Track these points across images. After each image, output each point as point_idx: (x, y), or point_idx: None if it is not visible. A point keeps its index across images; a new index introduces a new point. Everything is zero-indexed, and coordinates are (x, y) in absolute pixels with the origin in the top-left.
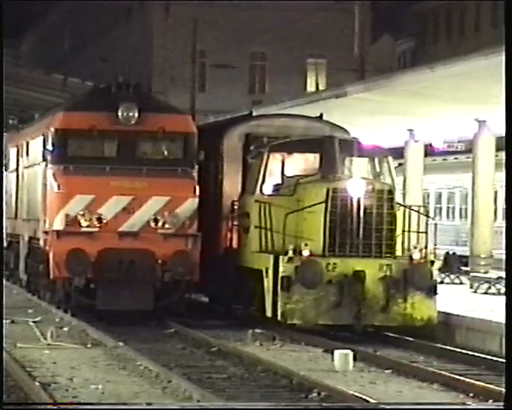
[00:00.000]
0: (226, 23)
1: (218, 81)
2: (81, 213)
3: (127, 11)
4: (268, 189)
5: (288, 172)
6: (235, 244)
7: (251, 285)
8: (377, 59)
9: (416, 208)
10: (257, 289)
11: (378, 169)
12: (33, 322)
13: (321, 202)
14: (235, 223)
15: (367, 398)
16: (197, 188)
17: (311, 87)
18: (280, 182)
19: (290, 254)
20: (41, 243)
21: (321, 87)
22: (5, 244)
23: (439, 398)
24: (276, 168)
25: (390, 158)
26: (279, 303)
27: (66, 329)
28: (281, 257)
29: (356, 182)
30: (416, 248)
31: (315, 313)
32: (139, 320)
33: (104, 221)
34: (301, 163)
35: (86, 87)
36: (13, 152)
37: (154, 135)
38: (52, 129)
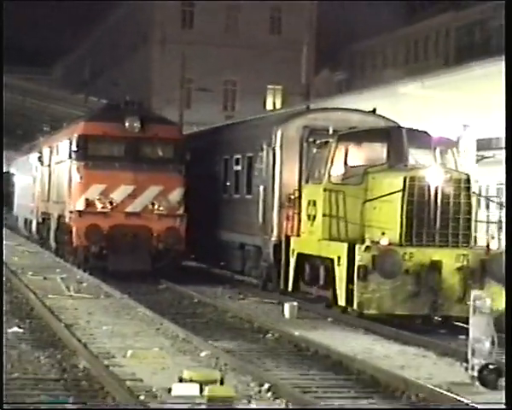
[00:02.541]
0: (207, 58)
1: (200, 101)
2: (97, 197)
3: (134, 47)
4: (336, 178)
5: (354, 162)
6: (295, 231)
7: (314, 273)
8: (319, 87)
9: (494, 199)
10: (327, 277)
11: (444, 160)
12: (60, 278)
13: (398, 191)
14: (295, 211)
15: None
16: (183, 180)
17: (269, 106)
18: (347, 171)
19: (368, 243)
20: (67, 219)
21: (277, 107)
22: (40, 220)
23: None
24: (343, 158)
25: (455, 149)
26: (355, 293)
27: (84, 284)
28: (357, 246)
29: (434, 171)
30: (493, 238)
31: (391, 303)
32: (139, 278)
33: (114, 204)
34: (367, 153)
35: (101, 104)
36: (46, 151)
37: (152, 140)
38: (76, 135)
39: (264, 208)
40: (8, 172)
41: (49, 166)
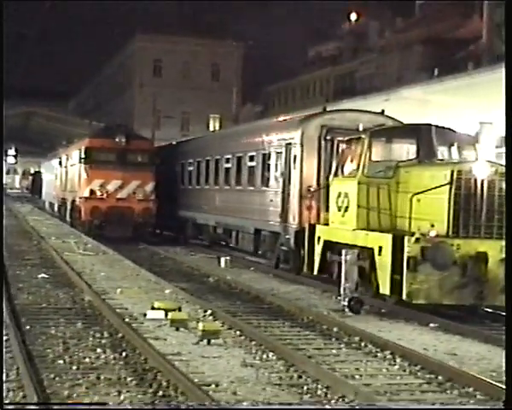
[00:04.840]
0: (170, 96)
1: (166, 124)
2: (97, 188)
3: (122, 89)
4: (369, 172)
5: (385, 157)
6: (321, 220)
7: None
8: (244, 115)
9: None
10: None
11: (468, 155)
12: (73, 242)
13: (446, 184)
14: (320, 202)
15: (236, 280)
16: (154, 177)
17: (211, 128)
18: (379, 165)
19: (417, 234)
20: (77, 202)
21: (216, 129)
22: (60, 203)
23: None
24: (375, 153)
25: (477, 145)
26: (404, 283)
27: (89, 245)
28: (406, 237)
29: (480, 164)
30: None
31: (439, 293)
32: (125, 242)
33: (109, 192)
34: (398, 149)
35: (100, 126)
36: (63, 157)
37: (133, 150)
38: (83, 147)
39: (283, 199)
40: (38, 172)
41: (66, 167)
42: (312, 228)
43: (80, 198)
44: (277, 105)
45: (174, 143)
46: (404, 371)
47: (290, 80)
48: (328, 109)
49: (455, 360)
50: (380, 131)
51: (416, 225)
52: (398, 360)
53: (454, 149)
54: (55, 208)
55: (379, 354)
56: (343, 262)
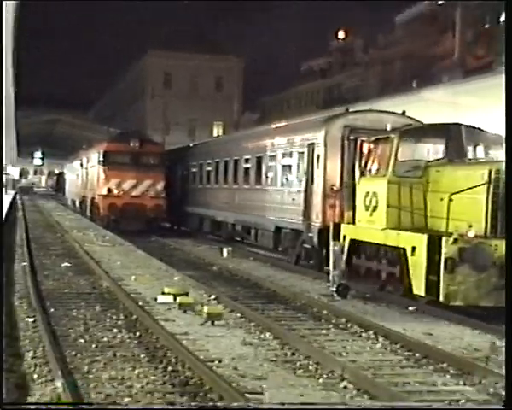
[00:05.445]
0: (179, 105)
1: (175, 130)
2: (114, 187)
3: (136, 98)
4: (398, 171)
5: (414, 156)
6: (347, 219)
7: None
8: (243, 122)
9: None
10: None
11: (495, 154)
12: (93, 234)
13: (483, 184)
14: (349, 201)
15: (237, 268)
16: (164, 177)
17: (215, 133)
18: (408, 165)
19: (455, 235)
20: (96, 200)
21: (220, 134)
22: (81, 200)
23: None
24: (405, 152)
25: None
26: (442, 285)
27: (107, 237)
28: (444, 238)
29: None
30: None
31: (477, 294)
32: (139, 234)
33: (124, 191)
34: (427, 148)
35: (116, 132)
36: (84, 160)
37: (146, 153)
38: (102, 150)
39: (305, 198)
40: (62, 172)
41: (86, 168)
42: (337, 227)
43: (99, 196)
44: (273, 113)
45: (191, 145)
46: (386, 349)
47: (285, 91)
48: (350, 110)
49: (430, 339)
50: (409, 131)
51: (452, 225)
52: (380, 339)
53: (481, 148)
54: (77, 205)
55: (363, 334)
56: (331, 252)
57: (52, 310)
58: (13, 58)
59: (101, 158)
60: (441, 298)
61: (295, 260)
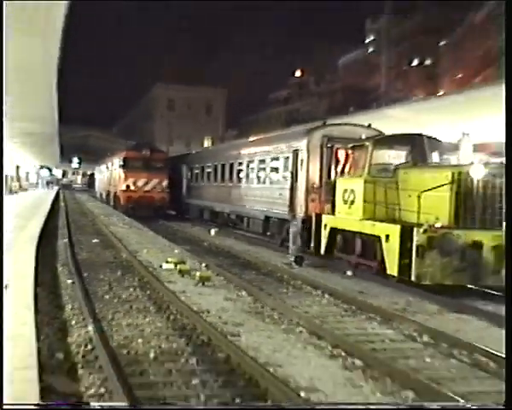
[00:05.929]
0: (179, 124)
1: (176, 142)
2: (131, 184)
3: (148, 118)
4: (372, 172)
5: (386, 160)
6: (328, 211)
7: (349, 244)
8: (227, 137)
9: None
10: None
11: (447, 160)
12: (116, 219)
13: (448, 184)
14: (328, 196)
15: (223, 244)
16: (167, 177)
17: (206, 145)
18: (380, 167)
19: (425, 226)
20: (118, 193)
21: (210, 145)
22: (107, 194)
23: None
24: (376, 157)
25: (457, 151)
26: (413, 267)
27: (126, 221)
28: (415, 229)
29: (478, 166)
30: None
31: (442, 275)
32: (149, 219)
33: (138, 187)
34: (396, 154)
35: (133, 143)
36: (109, 164)
37: (154, 159)
38: (122, 157)
39: (291, 194)
40: (92, 174)
41: (110, 170)
42: (319, 217)
43: (120, 190)
44: (249, 131)
45: (198, 151)
46: (330, 303)
47: (257, 114)
48: (327, 123)
49: (363, 296)
50: (381, 140)
51: (421, 217)
52: (326, 296)
53: (436, 154)
54: (104, 197)
55: (314, 292)
56: (290, 232)
57: (85, 274)
58: (57, 85)
59: (122, 163)
60: (413, 278)
61: (280, 242)
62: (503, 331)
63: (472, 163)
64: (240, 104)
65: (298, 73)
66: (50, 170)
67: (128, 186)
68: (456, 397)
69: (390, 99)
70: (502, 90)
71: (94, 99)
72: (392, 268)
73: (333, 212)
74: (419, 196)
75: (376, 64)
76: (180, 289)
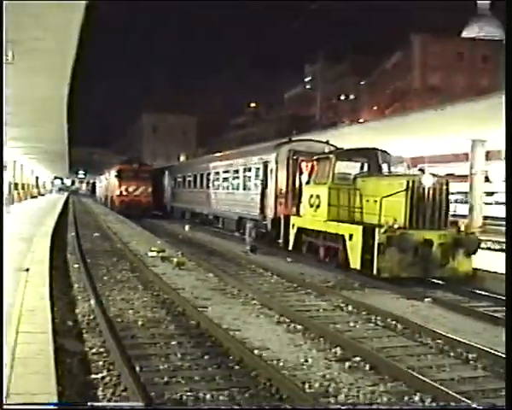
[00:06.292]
0: (161, 144)
1: (159, 158)
2: (124, 190)
3: (139, 140)
4: (335, 180)
5: (346, 170)
6: (293, 213)
7: (315, 241)
8: (198, 154)
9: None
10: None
11: (395, 170)
12: (112, 217)
13: (403, 190)
14: (294, 200)
15: (195, 237)
16: (152, 184)
17: (181, 159)
18: (341, 176)
19: (386, 227)
20: (114, 198)
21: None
22: (105, 198)
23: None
24: (339, 167)
25: (405, 163)
26: (375, 262)
27: (120, 219)
28: (377, 229)
29: (428, 176)
30: (462, 222)
31: (398, 269)
32: (137, 218)
33: (129, 192)
34: (354, 165)
35: (126, 158)
36: (107, 174)
37: (142, 171)
38: (117, 169)
39: (261, 198)
40: (94, 182)
41: (108, 180)
42: (287, 218)
43: (115, 195)
44: (215, 149)
45: (182, 163)
46: (278, 282)
47: (221, 136)
48: (292, 139)
49: (302, 276)
50: (342, 152)
51: (380, 219)
52: (274, 276)
53: (386, 165)
54: (103, 200)
55: (265, 273)
56: (247, 227)
57: (89, 260)
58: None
59: (116, 174)
60: (374, 272)
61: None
62: (438, 310)
63: (423, 172)
64: (208, 128)
65: (253, 104)
66: (62, 179)
67: (121, 192)
68: (455, 393)
69: (323, 125)
70: (407, 119)
71: (97, 124)
72: (355, 263)
73: (298, 213)
74: (380, 201)
75: (313, 98)
76: (161, 271)
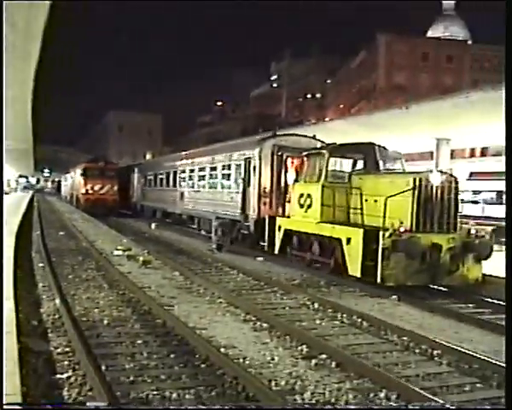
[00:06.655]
0: (126, 143)
1: (124, 156)
2: (89, 188)
3: (103, 139)
4: (329, 178)
5: (340, 167)
6: (279, 213)
7: (305, 245)
8: (163, 152)
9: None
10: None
11: (395, 167)
12: (77, 216)
13: (409, 189)
14: (280, 200)
15: (161, 235)
16: (117, 183)
17: (147, 157)
18: (335, 174)
19: (391, 230)
20: (79, 196)
21: (150, 157)
22: (70, 196)
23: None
24: (333, 164)
25: (403, 160)
26: (379, 269)
27: (85, 217)
28: (381, 232)
29: (437, 174)
30: (472, 224)
31: (404, 276)
32: (103, 217)
33: (95, 190)
34: (349, 161)
35: (91, 157)
36: (72, 173)
37: (108, 169)
38: (82, 167)
39: (243, 197)
40: (59, 180)
41: (73, 178)
42: (272, 219)
43: (81, 193)
44: (182, 147)
45: (153, 160)
46: (244, 280)
47: (188, 135)
48: (277, 133)
49: (269, 274)
50: (336, 148)
51: (382, 221)
52: (240, 274)
53: (382, 162)
54: (68, 199)
55: (231, 271)
56: (213, 225)
57: (54, 259)
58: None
59: (82, 172)
60: (378, 280)
61: (230, 241)
62: (403, 307)
63: (431, 170)
64: (174, 126)
65: (219, 103)
66: (27, 178)
67: (87, 190)
68: (420, 390)
69: (290, 123)
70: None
71: (62, 123)
72: (355, 270)
73: (283, 214)
74: (384, 202)
75: (279, 96)
76: (127, 270)
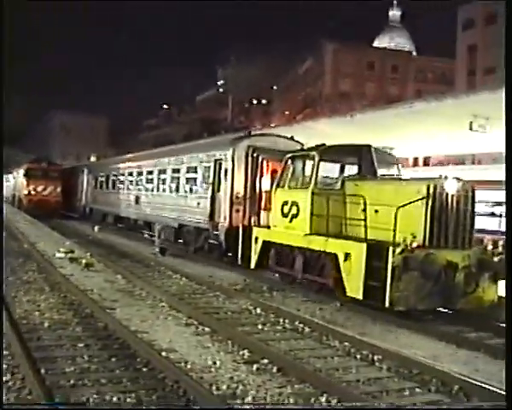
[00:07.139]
0: (71, 144)
1: (69, 158)
2: (32, 189)
3: (48, 138)
4: (319, 184)
5: (331, 172)
6: (256, 222)
7: (288, 259)
8: (108, 154)
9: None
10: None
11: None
12: (19, 217)
13: (421, 198)
14: (254, 207)
15: (106, 238)
16: (62, 184)
17: (92, 159)
18: (327, 179)
19: (402, 245)
20: (22, 197)
21: (95, 159)
22: (12, 198)
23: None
24: (324, 168)
25: (399, 164)
26: (388, 292)
27: (28, 219)
28: (390, 248)
29: (452, 181)
30: (489, 240)
31: (416, 299)
32: (46, 218)
33: (37, 192)
34: (342, 165)
35: (34, 157)
36: (16, 173)
37: (51, 170)
38: (25, 168)
39: (211, 203)
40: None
41: (16, 179)
42: (247, 230)
43: (23, 194)
44: (128, 149)
45: (104, 160)
46: (186, 284)
47: (135, 137)
48: (252, 133)
49: (212, 279)
50: (327, 150)
51: (377, 234)
52: (183, 278)
53: (387, 166)
54: (10, 200)
55: (174, 275)
56: (156, 229)
57: None
58: None
59: (24, 173)
60: (386, 304)
61: (194, 250)
62: (357, 317)
63: (445, 177)
64: (120, 128)
65: (165, 106)
66: None
67: (29, 191)
68: (360, 394)
69: (235, 128)
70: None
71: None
72: (355, 291)
73: (259, 223)
74: (395, 213)
75: (225, 101)
76: (69, 272)
